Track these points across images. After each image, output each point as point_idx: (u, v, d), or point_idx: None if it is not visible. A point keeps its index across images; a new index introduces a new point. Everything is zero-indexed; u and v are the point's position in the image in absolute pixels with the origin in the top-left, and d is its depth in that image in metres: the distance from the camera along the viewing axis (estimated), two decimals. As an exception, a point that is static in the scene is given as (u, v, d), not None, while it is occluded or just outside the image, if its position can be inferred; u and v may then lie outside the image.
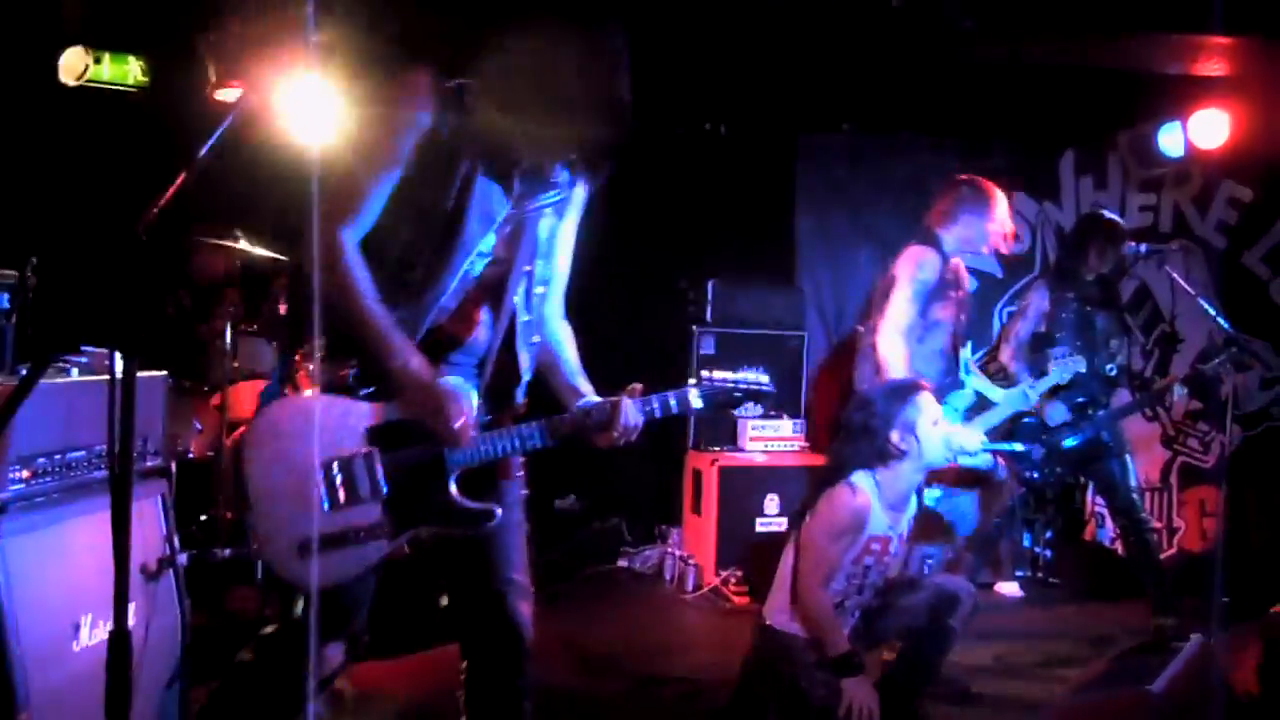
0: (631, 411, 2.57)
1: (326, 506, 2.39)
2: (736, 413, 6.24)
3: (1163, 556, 5.17)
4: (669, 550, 6.31)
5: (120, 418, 1.45)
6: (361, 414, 2.44)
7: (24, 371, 2.89)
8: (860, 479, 3.52)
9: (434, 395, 2.40)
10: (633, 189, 6.43)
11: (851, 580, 3.54)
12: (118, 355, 3.23)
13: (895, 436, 3.48)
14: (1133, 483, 5.05)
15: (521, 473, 2.69)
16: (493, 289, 2.54)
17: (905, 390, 3.61)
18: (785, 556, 3.65)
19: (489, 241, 2.50)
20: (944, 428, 3.57)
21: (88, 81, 5.34)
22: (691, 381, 2.71)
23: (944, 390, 4.48)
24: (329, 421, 2.42)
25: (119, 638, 1.42)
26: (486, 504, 2.48)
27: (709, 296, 6.51)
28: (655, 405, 2.62)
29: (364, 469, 2.42)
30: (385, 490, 2.43)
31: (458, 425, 2.40)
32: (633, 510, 6.65)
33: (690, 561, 6.10)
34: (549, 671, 4.62)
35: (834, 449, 3.71)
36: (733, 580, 5.87)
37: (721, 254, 6.76)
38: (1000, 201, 4.61)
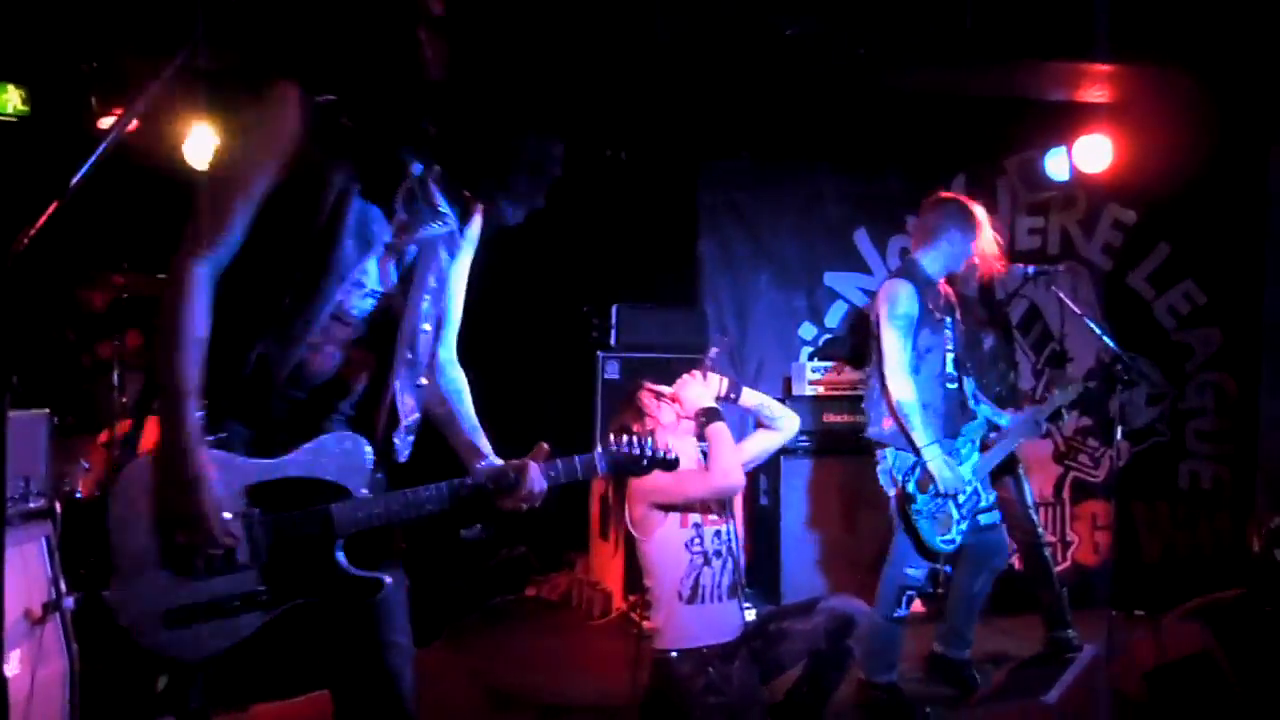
0: (536, 478, 2.45)
1: (198, 573, 2.16)
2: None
3: (1057, 570, 5.28)
4: (576, 577, 6.29)
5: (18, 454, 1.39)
6: (241, 470, 2.21)
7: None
8: None
9: (192, 502, 2.11)
10: (535, 214, 6.47)
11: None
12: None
13: None
14: (1029, 499, 5.16)
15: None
16: (376, 328, 2.34)
17: None
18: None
19: (371, 274, 2.30)
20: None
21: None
22: (599, 449, 2.66)
23: (953, 419, 4.51)
24: None
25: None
26: (374, 573, 2.28)
27: (613, 321, 6.53)
28: (560, 471, 2.54)
29: (242, 533, 2.19)
30: (264, 557, 2.20)
31: (201, 545, 2.14)
32: (539, 538, 6.62)
33: (598, 587, 6.09)
34: (456, 705, 4.57)
35: None
36: (641, 605, 5.86)
37: (624, 278, 6.79)
38: (982, 218, 4.59)
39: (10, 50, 5.13)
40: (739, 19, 4.93)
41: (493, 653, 5.32)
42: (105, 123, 5.06)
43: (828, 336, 7.07)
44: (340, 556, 2.24)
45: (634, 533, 3.76)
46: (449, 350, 2.59)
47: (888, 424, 4.44)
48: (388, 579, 2.28)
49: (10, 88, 5.15)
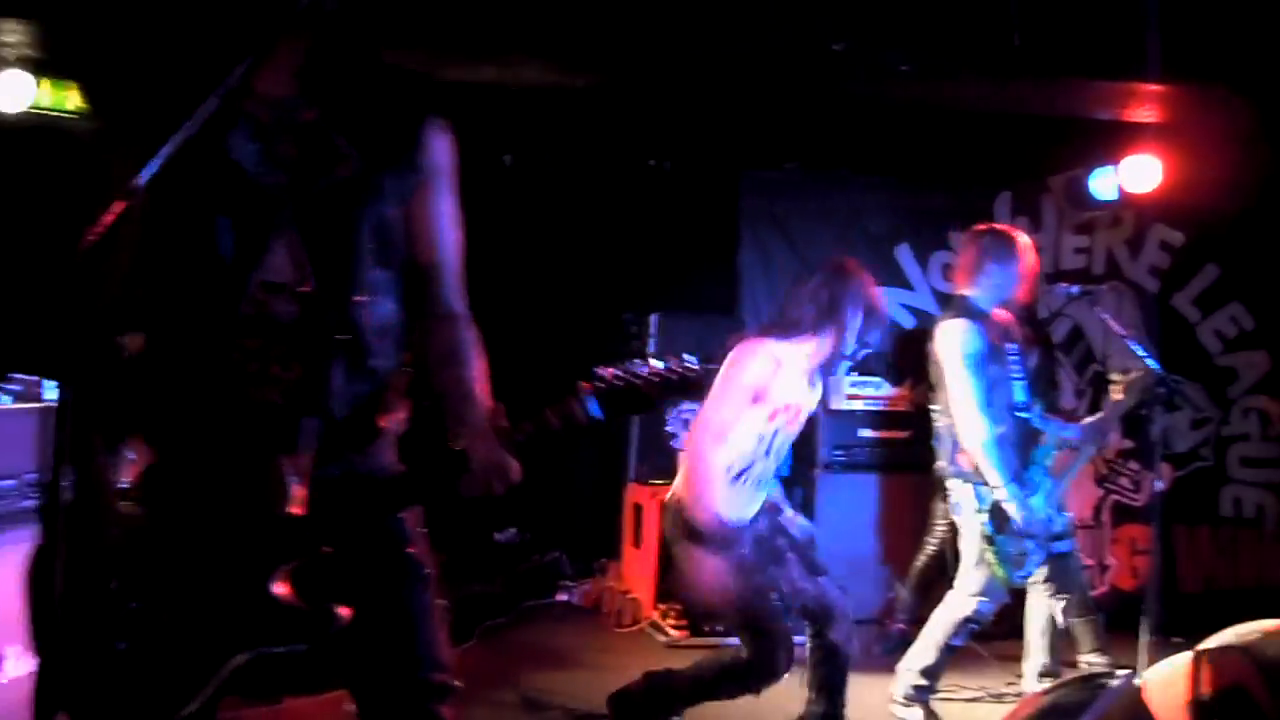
0: (488, 451, 2.00)
1: (122, 643, 1.87)
2: (676, 445, 6.28)
3: (1094, 594, 5.23)
4: (608, 584, 6.30)
5: (58, 447, 1.42)
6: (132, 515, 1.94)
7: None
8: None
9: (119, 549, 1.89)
10: (578, 223, 6.52)
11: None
12: (51, 382, 3.20)
13: None
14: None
15: (419, 545, 2.13)
16: (298, 326, 1.98)
17: None
18: None
19: (280, 266, 1.97)
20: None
21: (28, 109, 5.28)
22: (590, 386, 2.00)
23: (1026, 447, 4.50)
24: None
25: (47, 669, 1.39)
26: (323, 606, 1.90)
27: (652, 330, 6.55)
28: (532, 431, 2.03)
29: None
30: (191, 612, 1.88)
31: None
32: (572, 544, 6.64)
33: (629, 595, 6.10)
34: (486, 706, 4.60)
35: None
36: (671, 614, 5.87)
37: (665, 288, 6.81)
38: (1025, 244, 4.58)
39: (72, 48, 5.22)
40: (786, 33, 4.93)
41: (523, 656, 5.34)
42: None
43: (866, 351, 7.04)
44: (276, 591, 1.88)
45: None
46: (443, 302, 2.20)
47: (964, 460, 4.40)
48: (339, 612, 1.91)
49: (71, 85, 5.23)
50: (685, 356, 2.01)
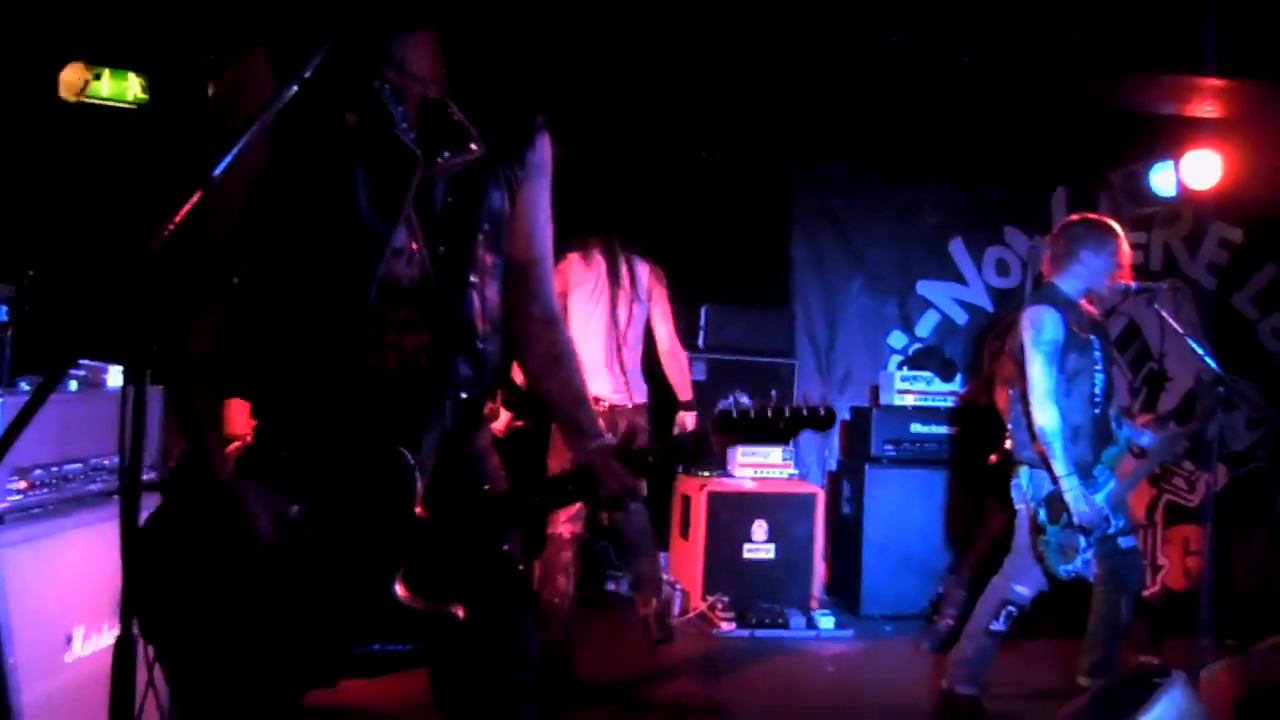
0: (617, 472, 1.99)
1: (242, 627, 1.85)
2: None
3: (1146, 594, 5.18)
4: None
5: (132, 431, 1.45)
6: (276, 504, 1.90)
7: (25, 385, 2.92)
8: None
9: (238, 509, 1.85)
10: (629, 214, 6.51)
11: None
12: (120, 369, 3.27)
13: None
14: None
15: (513, 542, 2.11)
16: (426, 298, 1.96)
17: None
18: None
19: (397, 229, 1.93)
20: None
21: (86, 97, 5.37)
22: (716, 414, 2.01)
23: (1098, 443, 4.48)
24: None
25: (124, 644, 1.42)
26: (443, 606, 1.90)
27: (702, 322, 6.56)
28: (659, 454, 2.04)
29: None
30: (313, 602, 1.87)
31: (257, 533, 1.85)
32: (620, 534, 6.65)
33: (677, 586, 6.12)
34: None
35: None
36: (719, 605, 5.88)
37: (716, 280, 6.81)
38: (1117, 232, 4.50)
39: (132, 39, 5.30)
40: (843, 24, 4.91)
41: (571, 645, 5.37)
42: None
43: (918, 346, 7.02)
44: (397, 591, 1.88)
45: None
46: (544, 306, 2.17)
47: (1035, 448, 4.39)
48: (458, 611, 1.90)
49: (131, 75, 5.31)
50: (822, 399, 2.03)
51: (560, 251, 2.13)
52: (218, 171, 1.50)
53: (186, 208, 1.43)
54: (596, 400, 4.92)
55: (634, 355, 5.26)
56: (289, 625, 1.86)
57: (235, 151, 1.55)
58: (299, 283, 1.90)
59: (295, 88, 1.69)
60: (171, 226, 1.40)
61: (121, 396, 1.52)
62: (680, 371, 5.50)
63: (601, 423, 2.14)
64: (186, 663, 1.86)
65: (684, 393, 5.49)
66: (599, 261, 5.19)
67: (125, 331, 1.48)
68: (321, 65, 1.78)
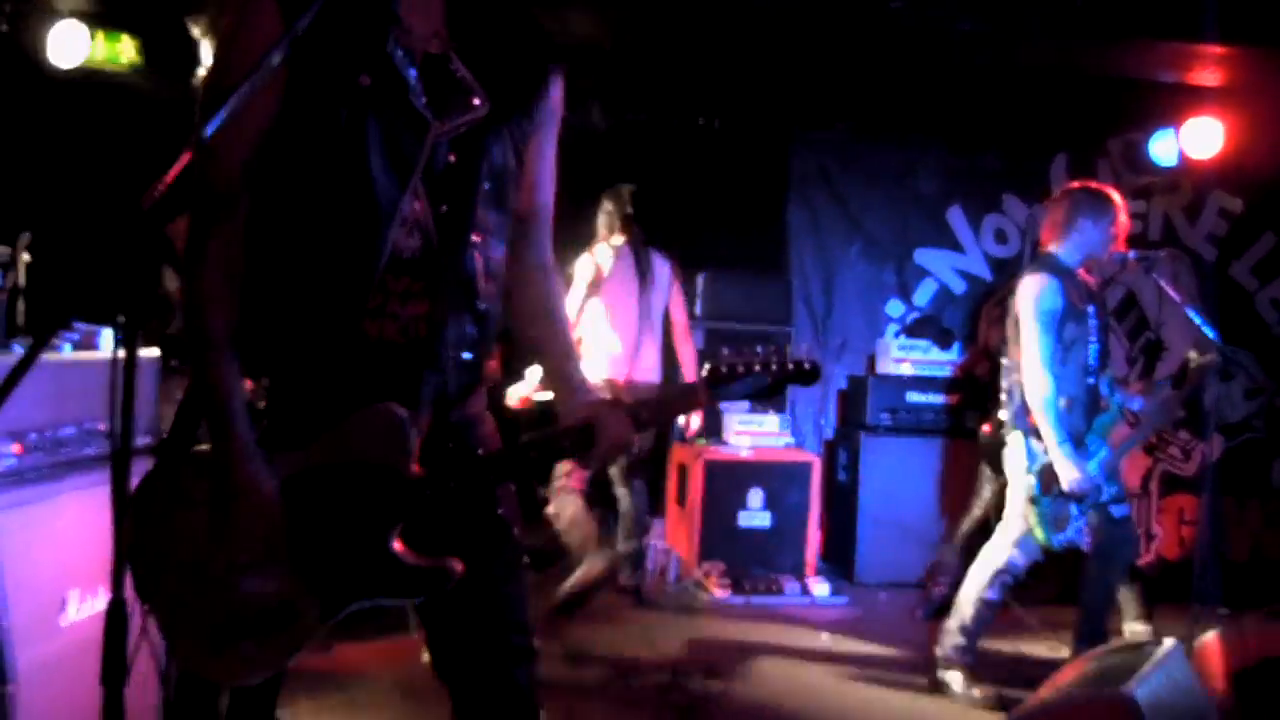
0: (616, 426, 1.98)
1: (235, 587, 1.86)
2: (722, 406, 6.29)
3: (1141, 563, 5.20)
4: (651, 542, 6.33)
5: (123, 393, 1.44)
6: (273, 468, 1.87)
7: (18, 348, 2.90)
8: None
9: (253, 512, 1.83)
10: (626, 180, 6.48)
11: None
12: (112, 330, 3.25)
13: None
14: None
15: (508, 506, 2.09)
16: (422, 264, 1.93)
17: None
18: None
19: (406, 197, 1.90)
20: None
21: (81, 63, 5.33)
22: (704, 370, 2.02)
23: (1090, 412, 4.47)
24: None
25: (117, 606, 1.42)
26: (439, 562, 1.90)
27: (698, 289, 6.54)
28: (649, 410, 2.04)
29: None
30: (310, 560, 1.87)
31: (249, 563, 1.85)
32: (618, 507, 6.66)
33: (673, 553, 6.13)
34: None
35: None
36: (715, 573, 5.90)
37: (713, 246, 6.79)
38: (1116, 201, 4.49)
39: (125, 1, 5.26)
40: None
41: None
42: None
43: (916, 314, 7.01)
44: (392, 549, 1.89)
45: None
46: (537, 253, 2.14)
47: (1029, 417, 4.39)
48: (455, 566, 1.90)
49: (125, 37, 5.27)
50: (802, 349, 2.06)
51: (566, 214, 2.10)
52: (210, 130, 1.47)
53: (177, 168, 1.41)
54: (630, 382, 5.42)
55: (656, 340, 5.63)
56: (286, 581, 1.85)
57: (234, 104, 1.50)
58: (306, 247, 1.88)
59: (288, 44, 1.63)
60: (162, 187, 1.37)
61: (112, 359, 1.49)
62: (691, 355, 5.85)
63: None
64: (181, 622, 1.87)
65: (692, 375, 5.69)
66: (627, 254, 5.55)
67: (116, 293, 1.46)
68: (331, 21, 1.74)
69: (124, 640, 1.37)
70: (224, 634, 1.85)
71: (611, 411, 1.98)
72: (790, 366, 2.01)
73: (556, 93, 2.08)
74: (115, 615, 1.37)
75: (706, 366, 2.01)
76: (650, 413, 2.03)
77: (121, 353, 1.52)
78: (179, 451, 1.91)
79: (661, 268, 5.67)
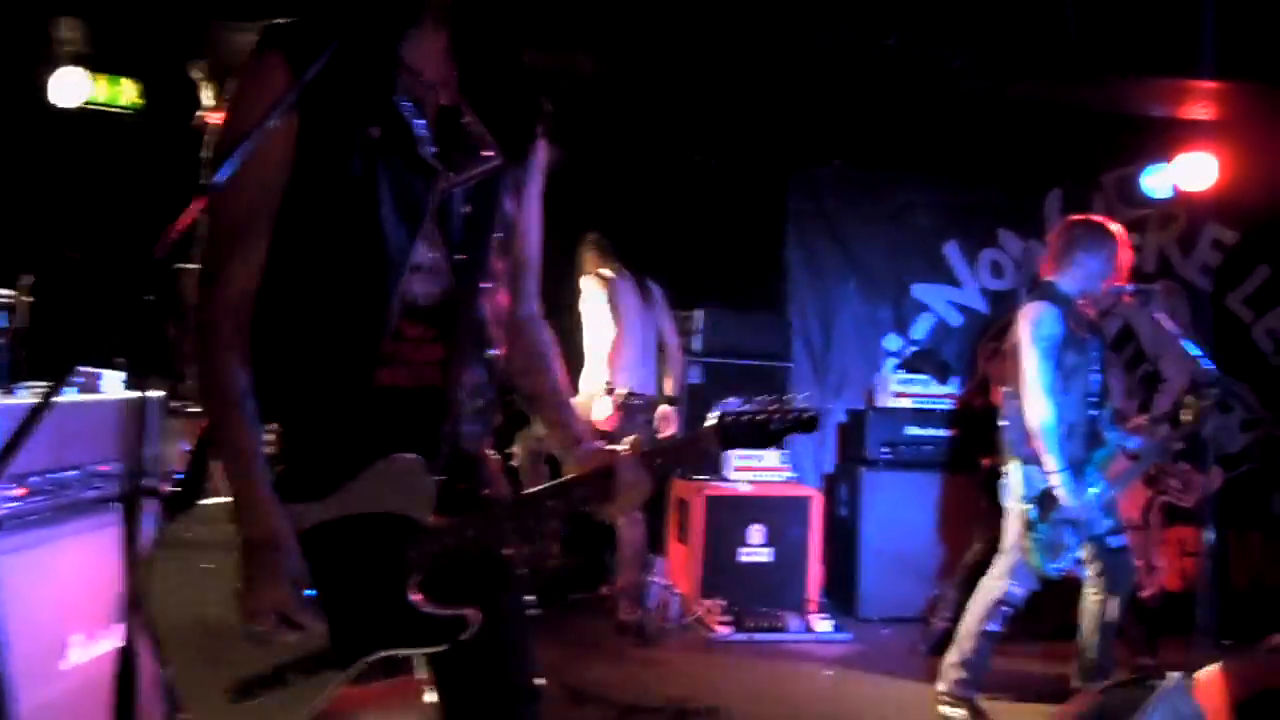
0: (636, 473, 1.98)
1: (253, 639, 1.84)
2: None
3: (1142, 595, 5.19)
4: (652, 579, 6.31)
5: (136, 435, 1.46)
6: (293, 517, 1.87)
7: (22, 391, 2.91)
8: None
9: (277, 564, 1.81)
10: (624, 218, 6.52)
11: None
12: (117, 376, 3.26)
13: None
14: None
15: (511, 551, 2.08)
16: (438, 312, 1.95)
17: None
18: None
19: (417, 245, 1.92)
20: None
21: (83, 104, 5.37)
22: (711, 418, 2.06)
23: (1089, 443, 4.48)
24: None
25: (127, 652, 1.42)
26: (458, 610, 1.91)
27: (698, 326, 6.56)
28: (667, 459, 2.07)
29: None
30: (329, 611, 1.86)
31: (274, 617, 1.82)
32: (616, 540, 6.64)
33: (674, 590, 6.11)
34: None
35: None
36: (716, 610, 5.88)
37: (711, 284, 6.81)
38: (1118, 236, 4.51)
39: (126, 46, 5.30)
40: (839, 28, 4.92)
41: (569, 648, 5.37)
42: (216, 119, 5.20)
43: (913, 349, 7.03)
44: (410, 599, 1.90)
45: None
46: (529, 303, 2.17)
47: (1029, 446, 4.39)
48: (472, 616, 1.91)
49: (125, 81, 5.31)
50: (805, 399, 2.11)
51: (561, 256, 2.11)
52: (222, 177, 1.49)
53: (189, 216, 1.43)
54: (634, 394, 5.76)
55: (654, 356, 5.98)
56: (307, 633, 1.85)
57: (244, 154, 1.53)
58: (319, 295, 1.90)
59: (300, 90, 1.68)
60: (174, 235, 1.39)
61: (125, 403, 1.50)
62: (678, 371, 6.09)
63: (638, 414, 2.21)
64: (198, 675, 1.86)
65: (675, 389, 6.02)
66: (628, 276, 5.90)
67: (130, 339, 1.48)
68: (340, 73, 1.78)
69: (133, 685, 1.36)
70: (243, 687, 1.86)
71: (628, 460, 1.99)
72: (791, 416, 2.07)
73: (542, 146, 2.11)
74: (125, 660, 1.37)
75: (717, 415, 2.05)
76: (666, 460, 2.05)
77: (133, 394, 1.52)
78: (193, 502, 1.92)
79: (655, 289, 6.06)
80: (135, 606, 1.54)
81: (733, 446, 2.05)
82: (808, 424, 2.09)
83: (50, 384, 1.43)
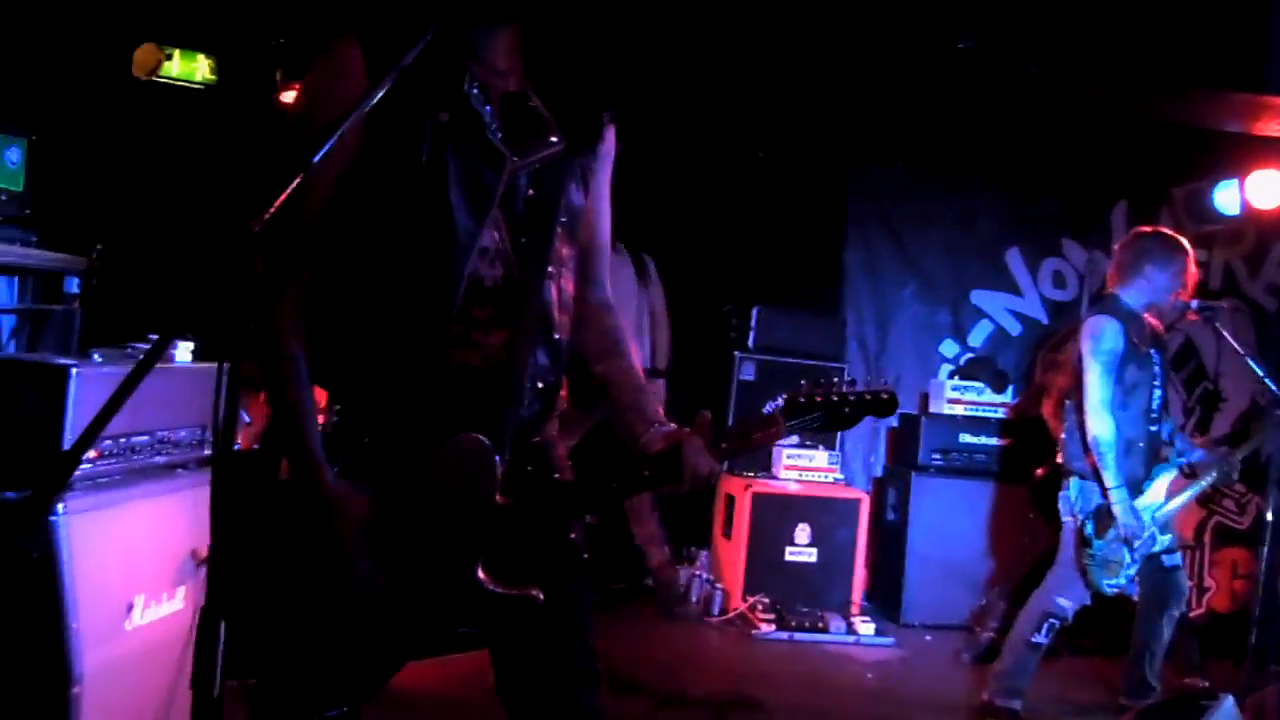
0: (702, 456, 1.97)
1: (337, 616, 1.90)
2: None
3: (1192, 615, 5.13)
4: (696, 573, 6.33)
5: (224, 404, 1.49)
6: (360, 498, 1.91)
7: (97, 356, 2.97)
8: None
9: (345, 525, 1.87)
10: (683, 213, 6.53)
11: None
12: (189, 344, 3.32)
13: None
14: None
15: (578, 534, 2.10)
16: (509, 293, 1.98)
17: None
18: None
19: (485, 229, 1.95)
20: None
21: (158, 77, 5.45)
22: (780, 400, 2.02)
23: (1150, 459, 4.46)
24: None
25: (211, 611, 1.46)
26: (525, 589, 1.93)
27: (752, 323, 6.55)
28: (732, 443, 2.02)
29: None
30: (400, 589, 1.91)
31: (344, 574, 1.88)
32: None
33: (717, 585, 6.12)
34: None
35: None
36: (760, 607, 5.88)
37: (768, 282, 6.80)
38: (1186, 249, 4.49)
39: (202, 21, 5.37)
40: (912, 28, 4.89)
41: (612, 642, 5.39)
42: (288, 97, 5.26)
43: (970, 356, 6.97)
44: (480, 576, 1.92)
45: None
46: (600, 290, 2.20)
47: (1088, 459, 4.36)
48: (539, 595, 1.93)
49: (200, 57, 5.38)
50: (880, 381, 2.05)
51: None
52: (317, 158, 1.53)
53: (286, 193, 1.46)
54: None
55: (647, 333, 6.24)
56: (377, 610, 1.88)
57: (335, 138, 1.57)
58: (388, 277, 1.93)
59: (394, 78, 1.71)
60: (271, 210, 1.43)
61: (216, 373, 1.55)
62: (665, 340, 6.41)
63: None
64: (274, 643, 1.91)
65: (663, 361, 6.37)
66: (625, 254, 5.99)
67: (223, 311, 1.51)
68: (414, 62, 1.79)
69: (216, 646, 1.40)
70: (318, 658, 1.90)
71: (693, 442, 1.97)
72: (868, 397, 2.03)
73: (611, 135, 2.15)
74: (209, 621, 1.41)
75: (784, 396, 2.02)
76: (731, 443, 2.01)
77: (224, 365, 1.55)
78: (271, 475, 1.95)
79: (650, 263, 6.30)
80: (215, 571, 1.57)
81: (800, 429, 2.02)
82: (884, 406, 2.04)
83: (144, 351, 1.46)
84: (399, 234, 1.91)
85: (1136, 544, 4.32)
